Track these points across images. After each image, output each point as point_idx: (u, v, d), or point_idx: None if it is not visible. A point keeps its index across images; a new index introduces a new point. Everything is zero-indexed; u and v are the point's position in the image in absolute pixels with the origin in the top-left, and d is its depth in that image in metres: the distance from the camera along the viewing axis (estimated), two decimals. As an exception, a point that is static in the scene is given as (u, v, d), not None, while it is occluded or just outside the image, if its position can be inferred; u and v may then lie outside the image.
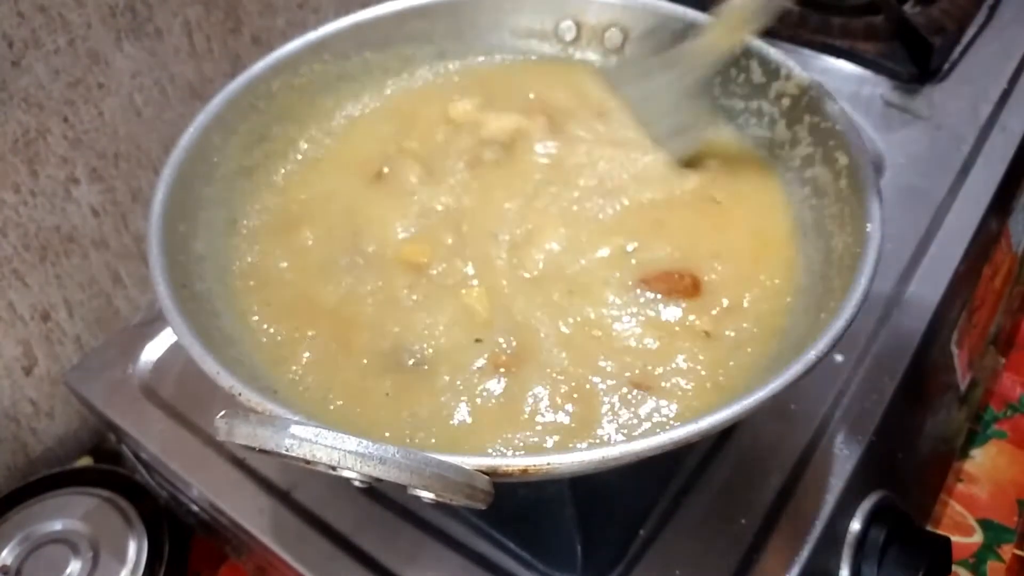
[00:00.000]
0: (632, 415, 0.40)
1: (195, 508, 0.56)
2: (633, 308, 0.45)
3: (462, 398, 0.41)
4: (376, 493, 0.50)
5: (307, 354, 0.44)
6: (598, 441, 0.40)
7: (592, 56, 0.59)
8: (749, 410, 0.34)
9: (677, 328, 0.44)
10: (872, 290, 0.39)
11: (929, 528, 0.61)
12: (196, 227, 0.47)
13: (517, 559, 0.47)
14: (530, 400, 0.41)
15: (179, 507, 0.59)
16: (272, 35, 0.74)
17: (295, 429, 0.29)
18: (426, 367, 0.43)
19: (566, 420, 0.40)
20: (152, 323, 0.61)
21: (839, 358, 0.53)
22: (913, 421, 0.56)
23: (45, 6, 0.57)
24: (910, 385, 0.53)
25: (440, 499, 0.31)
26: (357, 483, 0.30)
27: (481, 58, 0.60)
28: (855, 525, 0.48)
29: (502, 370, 0.42)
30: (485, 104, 0.56)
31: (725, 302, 0.45)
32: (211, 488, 0.52)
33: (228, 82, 0.52)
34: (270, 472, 0.52)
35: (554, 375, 0.42)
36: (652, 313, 0.45)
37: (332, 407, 0.42)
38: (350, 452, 0.29)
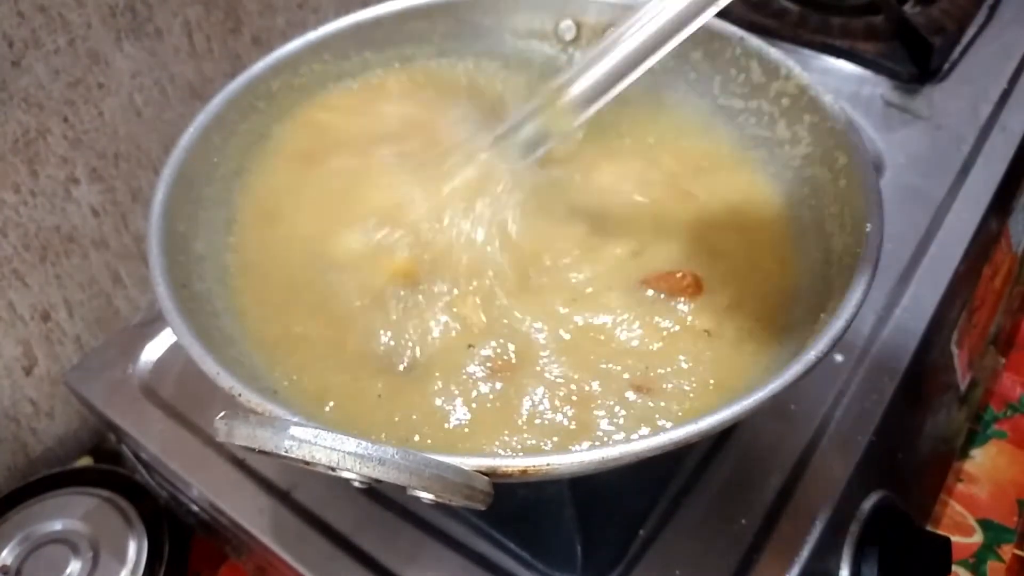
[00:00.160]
0: (631, 416, 0.40)
1: (195, 508, 0.56)
2: (635, 310, 0.45)
3: (457, 400, 0.41)
4: (376, 493, 0.50)
5: (297, 355, 0.44)
6: (598, 442, 0.39)
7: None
8: (749, 410, 0.34)
9: (677, 328, 0.44)
10: (872, 290, 0.39)
11: (929, 528, 0.61)
12: (196, 227, 0.47)
13: (517, 559, 0.47)
14: (527, 403, 0.41)
15: (179, 507, 0.59)
16: (272, 35, 0.74)
17: (294, 430, 0.29)
18: (418, 371, 0.43)
19: (564, 422, 0.40)
20: (152, 323, 0.61)
21: (839, 358, 0.53)
22: (913, 421, 0.56)
23: (45, 6, 0.57)
24: (910, 385, 0.53)
25: (439, 500, 0.31)
26: (356, 484, 0.30)
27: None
28: (855, 525, 0.48)
29: (499, 374, 0.42)
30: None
31: (726, 301, 0.45)
32: (211, 488, 0.52)
33: (228, 82, 0.52)
34: (270, 472, 0.52)
35: (553, 378, 0.42)
36: (653, 313, 0.45)
37: (327, 408, 0.42)
38: (349, 453, 0.29)
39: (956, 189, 0.62)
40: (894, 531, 0.48)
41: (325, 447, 0.29)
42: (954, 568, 0.60)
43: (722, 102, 0.54)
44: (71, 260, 0.65)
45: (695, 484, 0.48)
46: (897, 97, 0.69)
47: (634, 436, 0.39)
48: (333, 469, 0.29)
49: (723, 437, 0.50)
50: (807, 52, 0.73)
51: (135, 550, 0.57)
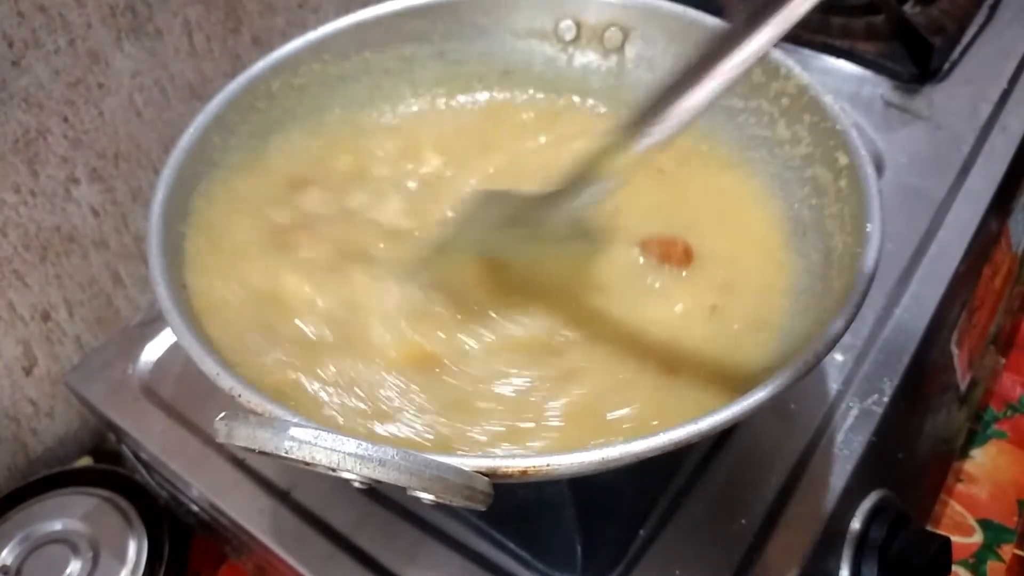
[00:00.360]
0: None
1: (195, 508, 0.56)
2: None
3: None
4: (376, 493, 0.50)
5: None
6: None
7: (592, 56, 0.59)
8: (749, 410, 0.34)
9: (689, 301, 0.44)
10: (872, 290, 0.39)
11: (929, 528, 0.61)
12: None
13: (517, 559, 0.47)
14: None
15: (179, 507, 0.59)
16: (272, 35, 0.74)
17: (295, 431, 0.29)
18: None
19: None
20: (152, 323, 0.61)
21: (839, 358, 0.53)
22: (913, 421, 0.56)
23: (45, 6, 0.57)
24: (910, 385, 0.53)
25: (440, 501, 0.31)
26: (357, 484, 0.30)
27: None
28: (855, 525, 0.48)
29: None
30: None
31: (721, 275, 0.46)
32: (211, 488, 0.52)
33: (228, 82, 0.52)
34: (270, 472, 0.52)
35: None
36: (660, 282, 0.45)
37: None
38: (350, 454, 0.29)
39: (956, 189, 0.62)
40: (894, 531, 0.48)
41: (325, 448, 0.29)
42: (954, 568, 0.60)
43: (722, 102, 0.54)
44: (71, 260, 0.65)
45: (695, 484, 0.48)
46: (897, 97, 0.69)
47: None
48: (333, 470, 0.29)
49: (723, 437, 0.50)
50: (807, 52, 0.73)
51: (135, 550, 0.57)
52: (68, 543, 0.57)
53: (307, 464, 0.29)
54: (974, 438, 0.69)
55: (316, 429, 0.29)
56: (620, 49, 0.58)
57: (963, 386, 0.63)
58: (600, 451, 0.33)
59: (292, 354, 0.42)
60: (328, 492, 0.50)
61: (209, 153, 0.49)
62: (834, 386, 0.52)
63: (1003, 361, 0.73)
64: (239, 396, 0.35)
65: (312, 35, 0.55)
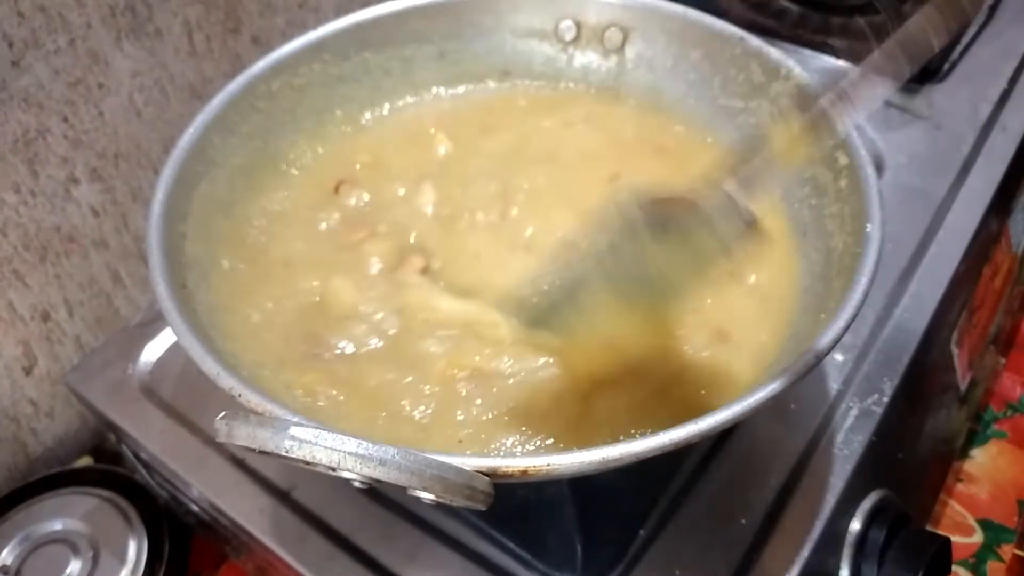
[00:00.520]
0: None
1: (195, 508, 0.56)
2: None
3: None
4: (376, 493, 0.50)
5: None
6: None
7: (592, 56, 0.59)
8: (749, 410, 0.34)
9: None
10: (872, 290, 0.39)
11: (929, 528, 0.61)
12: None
13: (517, 559, 0.47)
14: None
15: (179, 507, 0.59)
16: (272, 35, 0.74)
17: (295, 431, 0.29)
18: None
19: None
20: (152, 323, 0.61)
21: (839, 358, 0.53)
22: (913, 421, 0.56)
23: (45, 6, 0.57)
24: (910, 385, 0.53)
25: (440, 500, 0.31)
26: (357, 484, 0.30)
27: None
28: (855, 525, 0.48)
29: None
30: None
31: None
32: (211, 488, 0.52)
33: (228, 82, 0.52)
34: (270, 472, 0.52)
35: None
36: None
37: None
38: (350, 454, 0.29)
39: (956, 189, 0.62)
40: (894, 531, 0.48)
41: (326, 447, 0.29)
42: (954, 568, 0.60)
43: (722, 102, 0.54)
44: (71, 260, 0.65)
45: (695, 484, 0.48)
46: (897, 97, 0.69)
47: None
48: (334, 469, 0.29)
49: (723, 437, 0.50)
50: (807, 52, 0.73)
51: (135, 550, 0.57)
52: (68, 543, 0.57)
53: (307, 463, 0.29)
54: (974, 438, 0.69)
55: (316, 428, 0.29)
56: (620, 49, 0.58)
57: (963, 386, 0.63)
58: (600, 451, 0.33)
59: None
60: (328, 492, 0.50)
61: (210, 153, 0.50)
62: (834, 386, 0.52)
63: (1003, 361, 0.73)
64: (239, 396, 0.35)
65: (312, 35, 0.55)
